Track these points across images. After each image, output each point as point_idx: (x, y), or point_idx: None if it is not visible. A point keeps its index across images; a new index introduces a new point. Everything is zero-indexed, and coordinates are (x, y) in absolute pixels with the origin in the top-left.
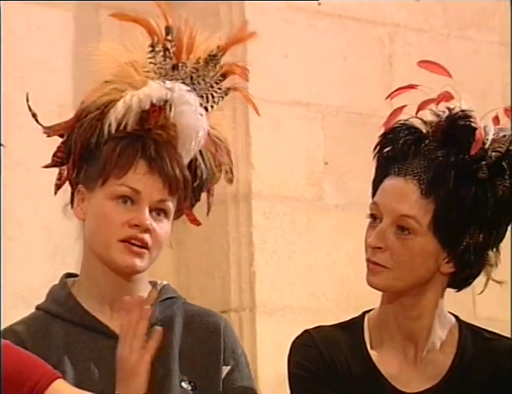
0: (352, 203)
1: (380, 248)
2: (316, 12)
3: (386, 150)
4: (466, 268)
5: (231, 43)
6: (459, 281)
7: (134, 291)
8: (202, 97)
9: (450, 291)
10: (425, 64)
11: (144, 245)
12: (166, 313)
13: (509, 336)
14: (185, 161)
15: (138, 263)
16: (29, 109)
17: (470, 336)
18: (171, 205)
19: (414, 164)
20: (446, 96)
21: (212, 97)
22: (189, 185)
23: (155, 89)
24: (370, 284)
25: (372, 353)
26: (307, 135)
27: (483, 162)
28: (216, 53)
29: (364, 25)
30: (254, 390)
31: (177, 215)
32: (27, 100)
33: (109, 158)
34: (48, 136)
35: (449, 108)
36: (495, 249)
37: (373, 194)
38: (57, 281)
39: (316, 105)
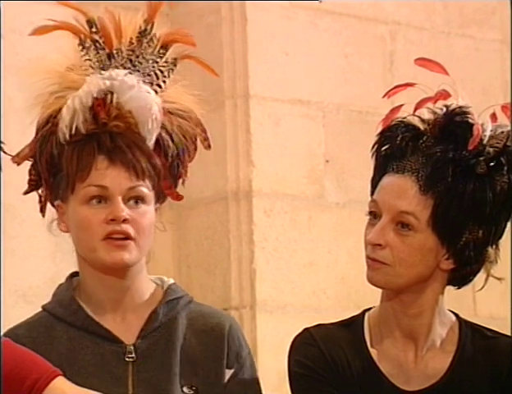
0: (353, 201)
1: (380, 245)
2: (317, 10)
3: (384, 148)
4: (466, 265)
5: (153, 12)
6: (459, 278)
7: (134, 292)
8: (150, 75)
9: (450, 289)
10: (422, 62)
11: (127, 236)
12: (170, 314)
13: (509, 334)
14: (150, 143)
15: (125, 256)
16: None
17: (470, 334)
18: (144, 190)
19: (412, 161)
20: (444, 94)
21: (161, 72)
22: (158, 166)
23: (93, 84)
24: (370, 281)
25: (373, 351)
26: (308, 133)
27: (481, 158)
28: (145, 28)
29: (365, 22)
30: (258, 392)
31: (162, 199)
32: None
33: (69, 163)
34: (18, 164)
35: (446, 105)
36: (494, 246)
37: (372, 193)
38: (57, 280)
39: (317, 103)
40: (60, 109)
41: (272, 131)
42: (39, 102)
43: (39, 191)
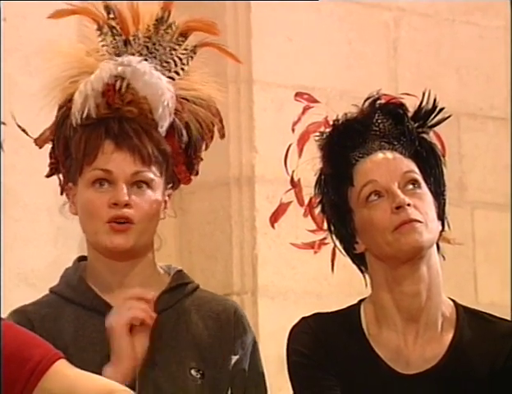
0: None
1: (409, 205)
2: None
3: (342, 142)
4: (443, 228)
5: (171, 0)
6: (437, 246)
7: (140, 276)
8: (168, 63)
9: (451, 277)
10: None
11: (128, 221)
12: (176, 298)
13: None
14: (163, 129)
15: (125, 240)
16: (18, 126)
17: (467, 318)
18: (150, 175)
19: (378, 141)
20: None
21: (180, 59)
22: (168, 152)
23: (105, 69)
24: (418, 245)
25: (370, 338)
26: (310, 119)
27: (419, 123)
28: (162, 16)
29: (369, 9)
30: (262, 378)
31: (175, 185)
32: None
33: (77, 147)
34: (40, 147)
35: (354, 107)
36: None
37: (337, 187)
38: (59, 263)
39: (320, 89)
40: (74, 93)
41: (275, 117)
42: (56, 85)
43: (60, 175)
